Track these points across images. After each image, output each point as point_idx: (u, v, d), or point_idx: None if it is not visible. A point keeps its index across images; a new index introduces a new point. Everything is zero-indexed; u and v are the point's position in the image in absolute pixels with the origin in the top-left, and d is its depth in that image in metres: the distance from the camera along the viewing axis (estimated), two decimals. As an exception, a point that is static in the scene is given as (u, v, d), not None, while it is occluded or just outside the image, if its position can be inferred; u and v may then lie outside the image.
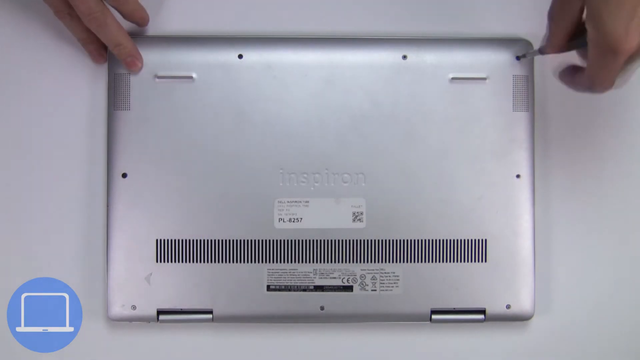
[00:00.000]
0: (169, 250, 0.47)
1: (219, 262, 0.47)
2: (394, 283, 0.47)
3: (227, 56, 0.47)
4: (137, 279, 0.47)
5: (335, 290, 0.47)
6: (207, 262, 0.47)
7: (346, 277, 0.47)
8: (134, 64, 0.46)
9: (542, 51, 0.44)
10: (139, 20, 0.47)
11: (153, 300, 0.47)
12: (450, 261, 0.47)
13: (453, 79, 0.47)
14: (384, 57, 0.47)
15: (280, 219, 0.47)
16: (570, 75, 0.42)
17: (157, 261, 0.47)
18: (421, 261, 0.47)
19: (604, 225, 0.49)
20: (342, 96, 0.47)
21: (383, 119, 0.47)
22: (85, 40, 0.47)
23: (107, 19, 0.44)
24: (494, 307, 0.47)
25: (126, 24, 0.47)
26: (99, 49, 0.47)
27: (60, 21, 0.46)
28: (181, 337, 0.49)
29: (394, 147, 0.47)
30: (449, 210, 0.47)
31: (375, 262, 0.47)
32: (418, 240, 0.47)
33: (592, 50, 0.38)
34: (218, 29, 0.48)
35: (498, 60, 0.47)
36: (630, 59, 0.38)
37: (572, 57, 0.43)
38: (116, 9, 0.46)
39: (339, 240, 0.47)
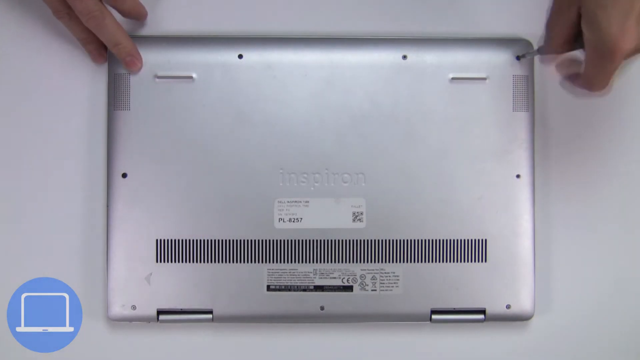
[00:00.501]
0: (169, 250, 0.47)
1: (219, 262, 0.47)
2: (394, 283, 0.47)
3: (227, 56, 0.47)
4: (137, 279, 0.47)
5: (335, 290, 0.47)
6: (207, 262, 0.47)
7: (346, 277, 0.47)
8: (133, 63, 0.46)
9: (540, 51, 0.44)
10: (138, 16, 0.47)
11: (153, 300, 0.47)
12: (450, 261, 0.47)
13: (453, 79, 0.47)
14: (384, 57, 0.47)
15: (280, 219, 0.47)
16: (572, 78, 0.43)
17: (157, 261, 0.47)
18: (421, 261, 0.47)
19: (604, 225, 0.49)
20: (342, 96, 0.47)
21: (383, 119, 0.47)
22: (85, 40, 0.47)
23: (105, 19, 0.44)
24: (494, 307, 0.47)
25: (125, 23, 0.47)
26: (99, 48, 0.47)
27: (60, 21, 0.46)
28: (181, 337, 0.49)
29: (394, 147, 0.47)
30: (449, 210, 0.47)
31: (375, 262, 0.47)
32: (418, 240, 0.47)
33: (589, 53, 0.39)
34: (218, 29, 0.48)
35: (498, 60, 0.47)
36: (626, 57, 0.38)
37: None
38: (114, 7, 0.46)
39: (339, 240, 0.47)
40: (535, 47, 0.47)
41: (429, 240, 0.47)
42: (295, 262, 0.47)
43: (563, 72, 0.44)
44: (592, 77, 0.39)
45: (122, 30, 0.46)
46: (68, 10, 0.45)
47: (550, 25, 0.42)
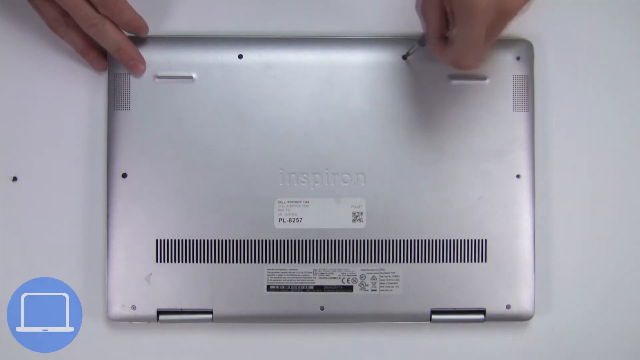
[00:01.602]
0: (169, 250, 0.47)
1: (219, 262, 0.47)
2: (394, 283, 0.47)
3: (227, 56, 0.47)
4: (137, 279, 0.47)
5: (335, 290, 0.47)
6: (207, 262, 0.47)
7: (346, 277, 0.47)
8: (136, 67, 0.46)
9: (421, 43, 0.43)
10: (137, 29, 0.46)
11: (153, 300, 0.47)
12: (450, 261, 0.47)
13: (453, 79, 0.47)
14: (384, 57, 0.47)
15: (280, 219, 0.47)
16: (441, 45, 0.42)
17: (157, 261, 0.47)
18: (421, 261, 0.47)
19: (604, 225, 0.49)
20: (342, 96, 0.47)
21: (383, 119, 0.47)
22: (84, 50, 0.46)
23: (105, 25, 0.44)
24: (494, 307, 0.47)
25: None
26: (99, 58, 0.47)
27: (56, 34, 0.45)
28: (181, 337, 0.49)
29: (394, 147, 0.47)
30: (449, 210, 0.47)
31: (375, 262, 0.47)
32: (418, 240, 0.47)
33: (455, 20, 0.39)
34: (218, 29, 0.48)
35: (498, 60, 0.47)
36: (492, 32, 0.38)
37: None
38: (112, 20, 0.45)
39: (339, 240, 0.47)
40: (536, 47, 0.47)
41: (429, 240, 0.47)
42: (295, 262, 0.47)
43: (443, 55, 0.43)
44: (460, 50, 0.39)
45: (123, 34, 0.46)
46: (66, 19, 0.44)
47: (423, 10, 0.42)
